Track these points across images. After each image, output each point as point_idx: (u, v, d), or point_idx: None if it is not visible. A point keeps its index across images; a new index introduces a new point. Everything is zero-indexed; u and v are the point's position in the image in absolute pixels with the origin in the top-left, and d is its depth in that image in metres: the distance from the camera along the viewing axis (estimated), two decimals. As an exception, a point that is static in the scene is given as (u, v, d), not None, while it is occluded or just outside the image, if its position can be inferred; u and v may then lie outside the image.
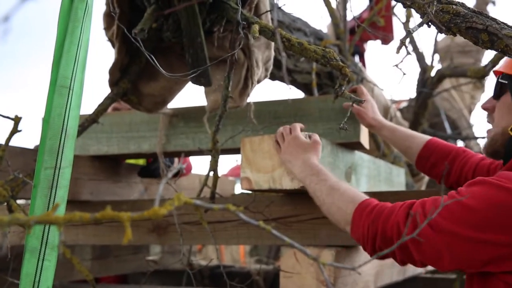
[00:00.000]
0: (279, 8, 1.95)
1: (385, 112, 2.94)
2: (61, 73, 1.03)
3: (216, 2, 1.47)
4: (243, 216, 0.63)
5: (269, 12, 1.66)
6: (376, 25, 3.14)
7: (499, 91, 1.43)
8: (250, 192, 1.77)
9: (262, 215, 1.85)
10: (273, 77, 2.37)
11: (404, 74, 1.02)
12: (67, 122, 1.02)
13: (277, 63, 2.29)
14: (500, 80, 1.41)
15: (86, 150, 2.22)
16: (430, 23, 1.09)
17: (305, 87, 2.52)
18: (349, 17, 4.01)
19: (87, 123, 1.63)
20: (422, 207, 1.18)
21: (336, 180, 1.38)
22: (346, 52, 2.59)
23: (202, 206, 0.60)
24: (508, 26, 1.02)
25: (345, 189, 1.35)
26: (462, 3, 1.08)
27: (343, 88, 1.34)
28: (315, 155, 1.47)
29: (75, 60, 1.04)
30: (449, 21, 1.06)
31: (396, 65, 0.92)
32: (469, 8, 1.07)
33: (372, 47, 9.46)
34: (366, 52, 5.55)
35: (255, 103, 1.87)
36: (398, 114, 3.34)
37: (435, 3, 1.05)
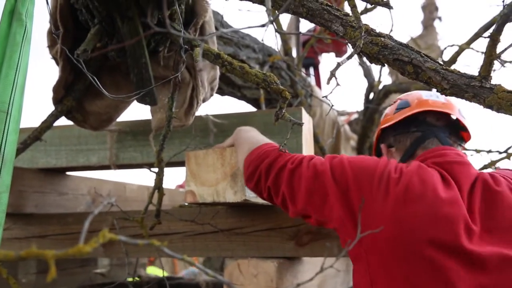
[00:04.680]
0: (228, 36, 1.98)
1: (333, 126, 3.01)
2: (-2, 97, 1.04)
3: (161, 24, 1.49)
4: (167, 250, 0.66)
5: (214, 31, 1.69)
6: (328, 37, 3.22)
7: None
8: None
9: (210, 226, 1.89)
10: (222, 92, 2.41)
11: (332, 105, 1.08)
12: (5, 147, 1.02)
13: (226, 79, 2.32)
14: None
15: (35, 163, 2.21)
16: (361, 54, 1.15)
17: (254, 102, 2.57)
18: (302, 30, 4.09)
19: (29, 141, 1.62)
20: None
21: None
22: (295, 68, 2.65)
23: (126, 242, 0.62)
24: (431, 59, 1.09)
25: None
26: (390, 35, 1.14)
27: (283, 111, 1.38)
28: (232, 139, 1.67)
29: (13, 85, 1.05)
30: (378, 52, 1.12)
31: (326, 96, 0.97)
32: (396, 40, 1.13)
33: (327, 59, 9.66)
34: (320, 64, 5.67)
35: (200, 117, 1.91)
36: (347, 127, 3.42)
37: (363, 35, 1.11)
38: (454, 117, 1.49)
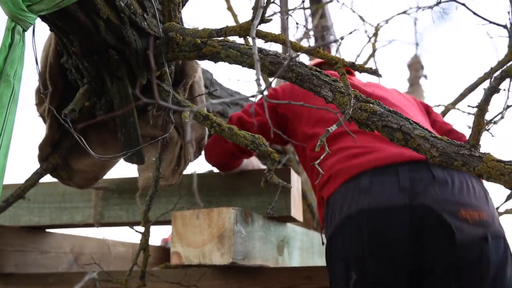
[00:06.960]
0: (215, 90, 2.00)
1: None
2: (-19, 159, 1.01)
3: (150, 84, 1.49)
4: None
5: (203, 91, 1.70)
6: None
7: None
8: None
9: (196, 288, 1.83)
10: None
11: (322, 173, 1.07)
12: (-16, 210, 0.99)
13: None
14: None
15: (17, 221, 2.15)
16: (350, 119, 1.16)
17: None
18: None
19: (12, 199, 1.58)
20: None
21: None
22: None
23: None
24: (420, 126, 1.09)
25: None
26: (378, 102, 1.15)
27: (272, 173, 1.37)
28: None
29: (-3, 146, 1.03)
30: (367, 118, 1.12)
31: (314, 164, 0.97)
32: (384, 107, 1.13)
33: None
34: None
35: (188, 175, 1.89)
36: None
37: (352, 101, 1.11)
38: None
